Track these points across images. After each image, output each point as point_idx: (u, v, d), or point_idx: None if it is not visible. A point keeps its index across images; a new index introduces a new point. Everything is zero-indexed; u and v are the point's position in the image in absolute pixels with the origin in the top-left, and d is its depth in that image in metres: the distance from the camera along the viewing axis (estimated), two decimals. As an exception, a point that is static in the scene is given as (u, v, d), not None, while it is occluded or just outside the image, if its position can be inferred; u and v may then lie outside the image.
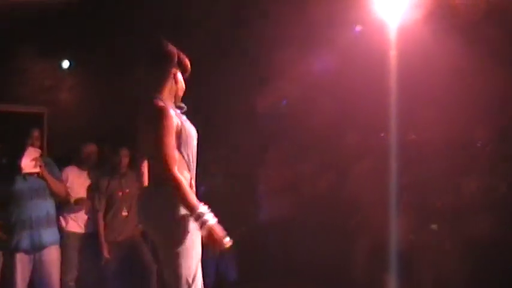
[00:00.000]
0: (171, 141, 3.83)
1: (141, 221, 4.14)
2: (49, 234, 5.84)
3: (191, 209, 3.74)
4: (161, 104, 3.90)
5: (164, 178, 3.78)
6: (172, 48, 4.07)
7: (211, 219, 3.77)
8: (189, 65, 4.15)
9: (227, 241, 3.80)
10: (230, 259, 7.58)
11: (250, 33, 8.06)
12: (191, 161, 3.99)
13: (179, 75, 4.13)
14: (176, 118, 3.93)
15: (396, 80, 7.07)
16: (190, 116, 4.18)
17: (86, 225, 7.18)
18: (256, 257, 7.82)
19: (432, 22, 7.61)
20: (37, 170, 5.71)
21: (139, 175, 4.29)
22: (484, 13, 7.52)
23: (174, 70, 4.08)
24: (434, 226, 6.94)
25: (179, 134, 3.91)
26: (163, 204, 3.85)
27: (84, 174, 7.26)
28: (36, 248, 5.76)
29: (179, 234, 3.83)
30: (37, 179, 5.77)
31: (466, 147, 7.17)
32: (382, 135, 7.28)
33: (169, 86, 4.06)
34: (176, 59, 4.07)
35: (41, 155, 5.81)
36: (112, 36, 8.93)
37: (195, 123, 4.16)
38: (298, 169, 7.82)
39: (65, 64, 10.31)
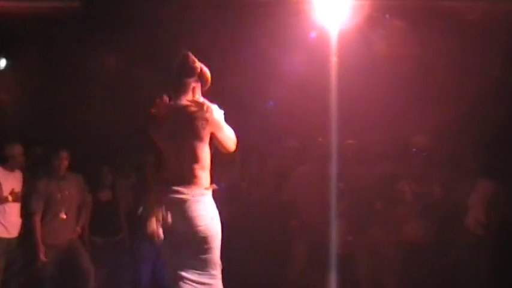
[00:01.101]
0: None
1: (179, 222, 4.24)
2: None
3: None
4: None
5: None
6: (196, 63, 4.35)
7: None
8: (209, 78, 4.42)
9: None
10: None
11: (187, 40, 8.05)
12: None
13: (197, 90, 4.38)
14: None
15: (336, 86, 7.17)
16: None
17: (16, 230, 7.04)
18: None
19: (372, 29, 7.77)
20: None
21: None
22: (423, 18, 7.72)
23: (194, 84, 4.34)
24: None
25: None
26: (207, 206, 4.25)
27: (13, 175, 7.10)
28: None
29: (218, 231, 4.29)
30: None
31: (402, 152, 7.33)
32: (320, 139, 7.38)
33: (187, 96, 4.32)
34: (198, 74, 4.35)
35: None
36: (51, 35, 8.78)
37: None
38: (237, 173, 7.84)
39: (1, 63, 10.09)
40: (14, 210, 7.02)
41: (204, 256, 4.26)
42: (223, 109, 4.38)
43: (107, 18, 8.51)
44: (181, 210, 4.21)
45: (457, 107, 7.36)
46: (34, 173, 7.22)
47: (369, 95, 7.80)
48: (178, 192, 4.21)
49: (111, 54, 8.89)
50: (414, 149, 7.13)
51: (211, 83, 4.45)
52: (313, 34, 8.01)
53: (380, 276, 7.11)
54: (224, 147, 4.36)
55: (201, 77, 4.39)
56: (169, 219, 4.24)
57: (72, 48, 8.63)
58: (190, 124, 4.21)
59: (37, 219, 7.00)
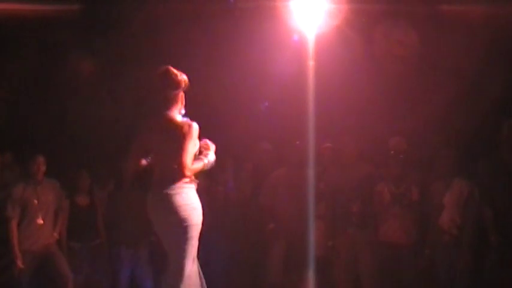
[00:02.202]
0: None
1: (159, 216, 4.84)
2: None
3: (206, 164, 4.97)
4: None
5: (183, 176, 4.75)
6: (178, 76, 4.88)
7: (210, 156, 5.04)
8: (187, 82, 4.94)
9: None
10: (145, 267, 7.53)
11: (163, 41, 8.06)
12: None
13: (182, 95, 4.99)
14: None
15: (313, 89, 7.20)
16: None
17: None
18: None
19: (349, 32, 7.81)
20: None
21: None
22: (399, 21, 7.78)
23: (181, 94, 4.96)
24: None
25: None
26: (189, 197, 4.82)
27: None
28: None
29: (194, 221, 4.81)
30: None
31: (380, 154, 7.36)
32: (298, 142, 7.38)
33: (176, 106, 4.94)
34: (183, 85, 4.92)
35: None
36: (29, 38, 8.75)
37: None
38: (215, 176, 7.83)
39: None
40: None
41: (184, 246, 4.75)
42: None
43: (86, 22, 8.51)
44: (166, 203, 4.74)
45: (433, 109, 7.41)
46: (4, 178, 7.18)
47: (346, 98, 7.84)
48: (165, 189, 4.76)
49: (90, 58, 8.88)
50: (392, 151, 7.14)
51: (190, 86, 4.92)
52: (290, 38, 8.04)
53: (358, 277, 7.11)
54: (179, 161, 4.70)
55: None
56: (156, 213, 4.83)
57: (50, 52, 8.61)
58: (178, 141, 4.74)
59: (14, 225, 6.94)
